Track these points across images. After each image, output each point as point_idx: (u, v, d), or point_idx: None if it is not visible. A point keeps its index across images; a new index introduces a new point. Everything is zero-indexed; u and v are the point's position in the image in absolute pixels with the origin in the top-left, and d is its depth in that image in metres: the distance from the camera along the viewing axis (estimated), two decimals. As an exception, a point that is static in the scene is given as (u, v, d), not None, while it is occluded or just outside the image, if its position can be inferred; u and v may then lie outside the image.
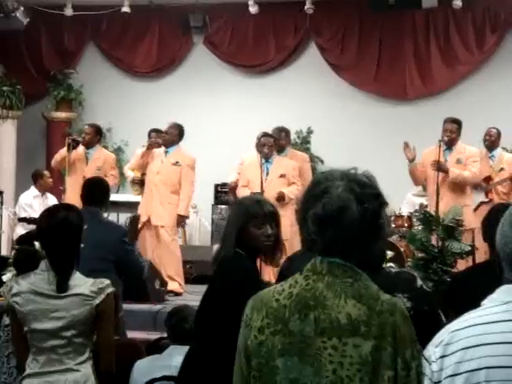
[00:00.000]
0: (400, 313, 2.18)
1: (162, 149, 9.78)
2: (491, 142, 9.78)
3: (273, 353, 2.23)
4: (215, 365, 3.69)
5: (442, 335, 1.99)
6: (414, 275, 4.34)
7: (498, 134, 9.81)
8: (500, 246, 1.98)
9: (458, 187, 9.07)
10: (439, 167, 8.90)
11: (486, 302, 2.00)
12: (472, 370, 1.90)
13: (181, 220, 9.59)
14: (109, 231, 5.62)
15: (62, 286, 3.68)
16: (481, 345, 1.91)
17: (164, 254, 9.37)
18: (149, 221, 9.53)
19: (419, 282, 3.98)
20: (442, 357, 1.95)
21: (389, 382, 2.11)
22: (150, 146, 9.76)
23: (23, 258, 5.33)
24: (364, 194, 2.22)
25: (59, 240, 3.74)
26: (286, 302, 2.25)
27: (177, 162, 9.64)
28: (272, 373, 2.22)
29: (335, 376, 2.13)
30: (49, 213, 3.93)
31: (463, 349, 1.93)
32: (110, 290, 3.73)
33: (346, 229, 2.20)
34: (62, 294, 3.66)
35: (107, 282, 3.75)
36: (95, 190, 6.08)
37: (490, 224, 4.16)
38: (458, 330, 1.97)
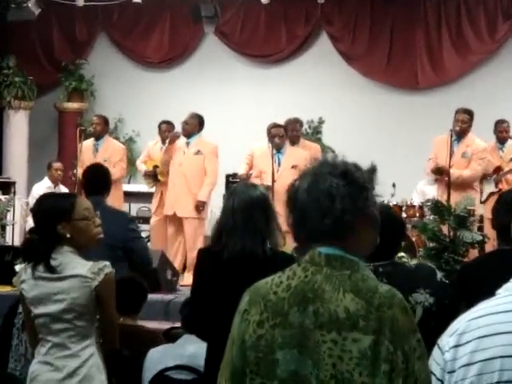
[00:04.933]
0: (398, 305, 2.17)
1: (184, 140, 9.78)
2: (504, 137, 9.85)
3: (273, 346, 2.23)
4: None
5: (457, 325, 1.98)
6: (434, 268, 4.31)
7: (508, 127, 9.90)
8: None
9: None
10: (441, 173, 9.03)
11: (500, 291, 1.99)
12: (486, 360, 1.89)
13: (199, 205, 9.52)
14: (115, 219, 5.52)
15: (48, 267, 3.70)
16: (496, 334, 1.91)
17: (187, 246, 9.44)
18: (174, 214, 9.58)
19: (439, 275, 3.94)
20: (456, 346, 1.95)
21: (385, 375, 2.11)
22: (172, 140, 9.73)
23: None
24: (335, 177, 2.21)
25: (39, 224, 3.84)
26: (284, 294, 2.25)
27: (198, 151, 9.64)
28: (272, 366, 2.23)
29: (335, 370, 2.14)
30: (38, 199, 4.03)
31: (478, 338, 1.92)
32: (109, 270, 3.69)
33: (322, 214, 2.20)
34: (62, 275, 3.67)
35: (106, 263, 3.71)
36: (96, 179, 5.96)
37: (498, 212, 4.15)
38: (473, 319, 1.96)
